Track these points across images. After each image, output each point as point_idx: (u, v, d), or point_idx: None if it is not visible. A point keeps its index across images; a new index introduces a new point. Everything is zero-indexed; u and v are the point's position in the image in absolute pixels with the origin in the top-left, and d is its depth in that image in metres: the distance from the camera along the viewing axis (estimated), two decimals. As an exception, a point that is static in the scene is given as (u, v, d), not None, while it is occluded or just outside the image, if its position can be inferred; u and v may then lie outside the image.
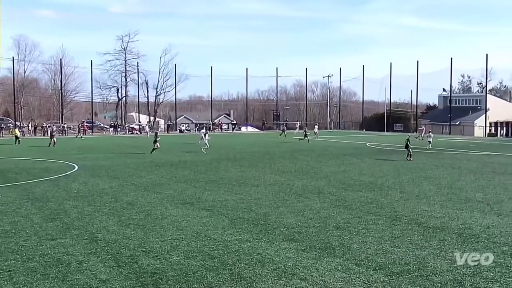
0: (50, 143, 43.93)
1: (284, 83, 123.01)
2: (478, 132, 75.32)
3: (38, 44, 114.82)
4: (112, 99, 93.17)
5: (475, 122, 77.67)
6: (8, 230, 13.12)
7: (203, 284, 9.17)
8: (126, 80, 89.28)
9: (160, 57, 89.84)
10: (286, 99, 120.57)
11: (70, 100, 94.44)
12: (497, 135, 75.18)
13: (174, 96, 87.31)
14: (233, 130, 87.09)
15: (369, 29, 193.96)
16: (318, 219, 14.59)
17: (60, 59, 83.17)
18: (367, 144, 48.45)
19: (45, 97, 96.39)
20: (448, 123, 76.36)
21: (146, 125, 77.56)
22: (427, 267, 10.14)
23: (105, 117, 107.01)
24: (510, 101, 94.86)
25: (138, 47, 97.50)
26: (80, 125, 67.95)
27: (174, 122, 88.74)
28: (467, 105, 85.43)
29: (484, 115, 76.14)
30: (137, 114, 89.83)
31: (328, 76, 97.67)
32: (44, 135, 66.75)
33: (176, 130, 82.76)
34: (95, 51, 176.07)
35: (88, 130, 72.59)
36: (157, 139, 37.95)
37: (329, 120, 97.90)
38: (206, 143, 38.77)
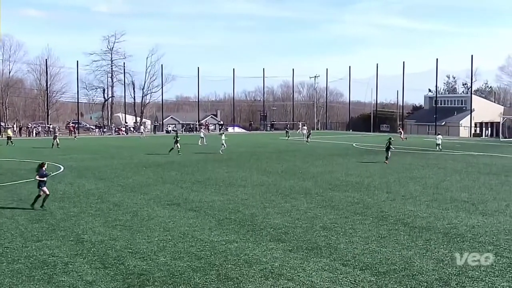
0: (53, 144, 43.51)
1: (271, 83, 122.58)
2: (464, 132, 75.93)
3: (23, 44, 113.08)
4: (98, 99, 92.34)
5: (460, 122, 78.27)
6: (-7, 231, 12.99)
7: (190, 285, 9.16)
8: (112, 81, 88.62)
9: (147, 58, 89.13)
10: (273, 99, 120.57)
11: (56, 101, 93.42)
12: (482, 135, 75.92)
13: (161, 96, 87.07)
14: (220, 130, 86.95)
15: (356, 30, 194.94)
16: (305, 219, 14.64)
17: (46, 59, 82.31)
18: (354, 145, 48.64)
19: (30, 98, 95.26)
20: (434, 124, 76.84)
21: (141, 125, 76.64)
22: (413, 267, 10.22)
23: (91, 118, 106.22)
24: (495, 102, 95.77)
25: (125, 48, 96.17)
26: (69, 126, 67.19)
27: (161, 122, 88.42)
28: (453, 105, 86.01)
29: (469, 115, 76.82)
30: (124, 114, 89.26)
31: (315, 76, 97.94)
32: (29, 135, 66.08)
33: (163, 130, 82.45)
34: (81, 51, 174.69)
35: (74, 131, 71.89)
36: (178, 139, 37.06)
37: (315, 121, 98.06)
38: (223, 143, 38.30)
